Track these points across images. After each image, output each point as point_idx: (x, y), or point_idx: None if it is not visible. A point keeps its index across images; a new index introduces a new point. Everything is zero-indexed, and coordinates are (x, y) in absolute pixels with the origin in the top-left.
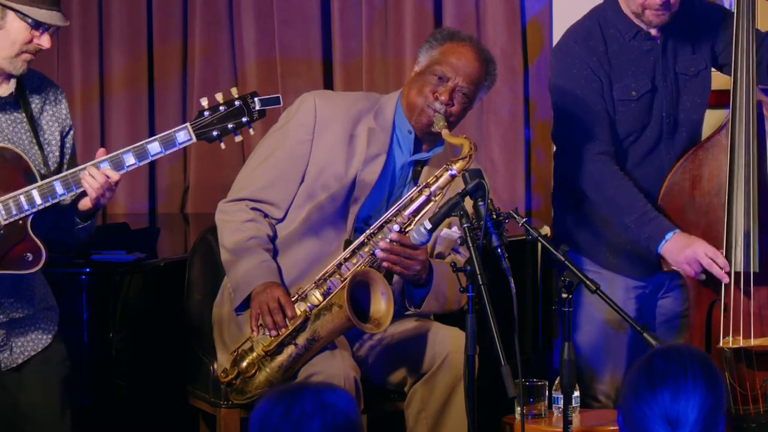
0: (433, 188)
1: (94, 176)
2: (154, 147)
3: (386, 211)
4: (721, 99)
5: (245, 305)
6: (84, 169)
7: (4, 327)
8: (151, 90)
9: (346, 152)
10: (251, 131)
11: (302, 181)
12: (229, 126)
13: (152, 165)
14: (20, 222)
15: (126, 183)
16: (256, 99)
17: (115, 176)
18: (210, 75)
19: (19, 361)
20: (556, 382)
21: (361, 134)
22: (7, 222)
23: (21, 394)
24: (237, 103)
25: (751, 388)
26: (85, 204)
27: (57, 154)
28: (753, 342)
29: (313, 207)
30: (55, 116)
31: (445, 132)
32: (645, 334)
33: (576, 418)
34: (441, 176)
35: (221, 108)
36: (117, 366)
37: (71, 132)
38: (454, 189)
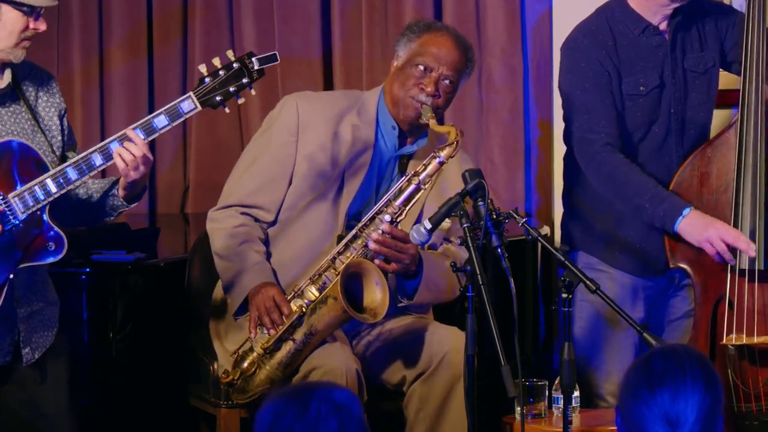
0: (422, 176)
1: (129, 149)
2: (161, 120)
3: (376, 204)
4: (727, 99)
5: (243, 309)
6: (95, 151)
7: (25, 321)
8: (151, 90)
9: (332, 150)
10: (252, 92)
11: (290, 182)
12: (231, 89)
13: (152, 165)
14: (38, 212)
15: None
16: (253, 59)
17: (140, 148)
18: None
19: (37, 356)
20: (556, 382)
21: (345, 131)
22: (25, 215)
23: (39, 391)
24: (235, 65)
25: (753, 385)
26: (122, 184)
27: (60, 138)
28: (756, 339)
29: (304, 207)
30: (50, 101)
31: (432, 122)
32: (645, 334)
33: (576, 418)
34: (429, 164)
35: (221, 72)
36: (117, 366)
37: (66, 114)
38: (449, 183)
